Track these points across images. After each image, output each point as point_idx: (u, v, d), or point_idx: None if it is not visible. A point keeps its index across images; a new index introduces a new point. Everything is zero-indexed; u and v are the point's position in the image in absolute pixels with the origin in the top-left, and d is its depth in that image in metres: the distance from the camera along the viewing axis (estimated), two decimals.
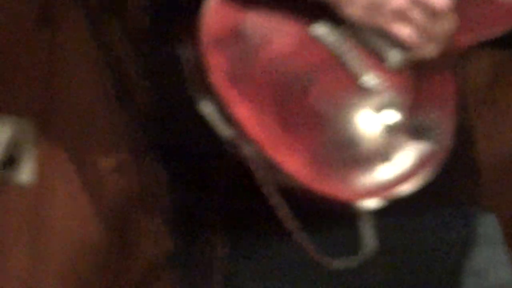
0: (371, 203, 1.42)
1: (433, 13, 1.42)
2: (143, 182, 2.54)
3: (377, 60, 1.46)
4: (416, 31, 1.43)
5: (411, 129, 1.46)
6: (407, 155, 1.46)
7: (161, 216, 1.86)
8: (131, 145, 2.52)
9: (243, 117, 1.38)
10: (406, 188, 1.45)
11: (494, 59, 2.48)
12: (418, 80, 1.49)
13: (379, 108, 1.43)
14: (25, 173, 2.54)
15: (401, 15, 1.41)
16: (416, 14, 1.42)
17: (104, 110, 2.54)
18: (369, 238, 1.45)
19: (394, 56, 1.44)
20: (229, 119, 1.38)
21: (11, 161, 2.54)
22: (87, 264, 2.61)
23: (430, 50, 1.44)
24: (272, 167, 1.39)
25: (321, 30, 1.43)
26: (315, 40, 1.44)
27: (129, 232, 2.62)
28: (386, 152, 1.43)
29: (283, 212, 1.39)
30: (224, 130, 1.39)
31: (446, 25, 1.44)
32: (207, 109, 1.38)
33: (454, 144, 1.50)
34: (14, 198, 2.57)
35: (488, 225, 1.68)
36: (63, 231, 2.58)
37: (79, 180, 2.57)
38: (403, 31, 1.42)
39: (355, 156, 1.44)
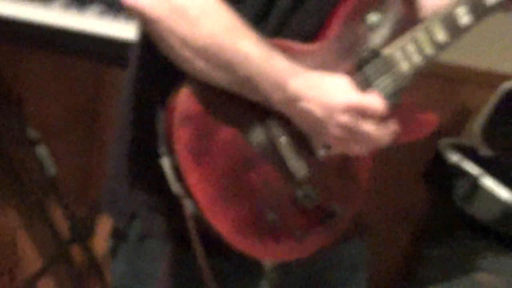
0: (275, 261, 1.55)
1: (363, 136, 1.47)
2: (20, 215, 2.71)
3: (307, 150, 1.51)
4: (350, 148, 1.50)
5: (319, 214, 1.55)
6: (317, 232, 1.55)
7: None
8: (7, 188, 2.64)
9: (193, 182, 1.44)
10: (305, 255, 1.55)
11: None
12: (335, 170, 1.56)
13: (300, 195, 1.52)
14: None
15: (337, 139, 1.47)
16: (350, 140, 1.47)
17: None
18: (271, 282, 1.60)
19: (322, 151, 1.50)
20: (181, 179, 1.44)
21: None
22: None
23: (352, 151, 1.50)
24: (206, 224, 1.47)
25: (270, 123, 1.49)
26: (261, 129, 1.50)
27: (11, 254, 2.78)
28: (296, 230, 1.52)
29: (202, 259, 1.48)
30: (174, 186, 1.45)
31: (376, 143, 1.49)
32: (165, 165, 1.46)
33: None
34: None
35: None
36: None
37: None
38: (338, 145, 1.48)
39: (275, 227, 1.51)
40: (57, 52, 2.49)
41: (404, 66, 1.50)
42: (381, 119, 1.45)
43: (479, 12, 1.51)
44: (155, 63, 1.54)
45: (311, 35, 1.53)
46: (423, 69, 1.52)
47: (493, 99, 2.32)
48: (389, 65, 1.51)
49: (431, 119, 1.56)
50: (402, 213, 2.68)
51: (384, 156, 2.36)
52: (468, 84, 2.58)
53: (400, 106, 1.54)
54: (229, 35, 1.43)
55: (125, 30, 2.22)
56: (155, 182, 1.50)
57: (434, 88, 2.56)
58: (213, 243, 1.49)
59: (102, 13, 2.31)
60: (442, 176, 2.26)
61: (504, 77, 2.41)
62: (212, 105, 1.46)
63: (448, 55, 2.21)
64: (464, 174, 2.18)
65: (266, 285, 1.58)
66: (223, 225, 1.46)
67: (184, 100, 1.43)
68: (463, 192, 2.19)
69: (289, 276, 1.65)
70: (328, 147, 1.50)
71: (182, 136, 1.43)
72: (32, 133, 2.58)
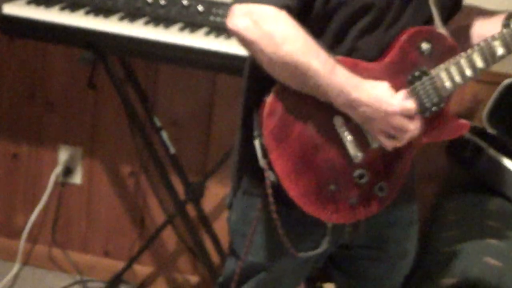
0: (336, 222, 1.68)
1: (403, 133, 1.58)
2: (150, 181, 2.94)
3: (364, 142, 1.63)
4: (389, 142, 1.60)
5: (370, 188, 1.66)
6: (367, 203, 1.67)
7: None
8: (141, 160, 2.89)
9: (273, 158, 1.60)
10: (362, 217, 1.68)
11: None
12: (385, 158, 1.66)
13: (356, 175, 1.64)
14: (77, 176, 3.05)
15: (383, 132, 1.59)
16: (393, 133, 1.59)
17: (125, 141, 2.91)
18: (326, 242, 1.71)
19: (375, 144, 1.63)
20: (266, 156, 1.60)
21: (68, 171, 3.04)
22: (118, 229, 3.08)
23: (394, 146, 1.62)
24: (282, 190, 1.61)
25: (336, 120, 1.61)
26: (328, 124, 1.61)
27: (143, 209, 3.05)
28: (353, 199, 1.66)
29: (275, 216, 1.63)
30: (261, 161, 1.61)
31: (408, 138, 1.60)
32: (257, 145, 1.62)
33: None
34: (71, 193, 3.07)
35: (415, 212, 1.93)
36: (103, 211, 3.09)
37: (110, 181, 3.04)
38: (382, 139, 1.60)
39: (334, 196, 1.64)
40: (181, 65, 2.64)
41: (447, 84, 1.62)
42: (415, 120, 1.58)
43: (511, 45, 1.64)
44: (255, 73, 1.67)
45: (375, 57, 1.63)
46: (461, 86, 1.65)
47: (496, 92, 2.38)
48: (435, 83, 1.63)
49: (463, 125, 1.71)
50: (429, 176, 2.74)
51: None
52: (478, 82, 2.60)
53: (441, 113, 1.66)
54: (303, 56, 1.53)
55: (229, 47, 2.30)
56: (252, 159, 1.64)
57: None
58: (291, 206, 1.63)
59: (208, 33, 2.40)
60: (460, 148, 2.32)
61: (505, 76, 2.46)
62: (291, 104, 1.60)
63: None
64: (477, 148, 2.27)
65: (327, 241, 1.71)
66: (295, 192, 1.61)
67: (271, 100, 1.59)
68: (474, 159, 2.27)
69: (354, 233, 1.79)
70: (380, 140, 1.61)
71: (268, 125, 1.59)
72: (157, 121, 2.76)
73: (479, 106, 2.61)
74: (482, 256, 1.89)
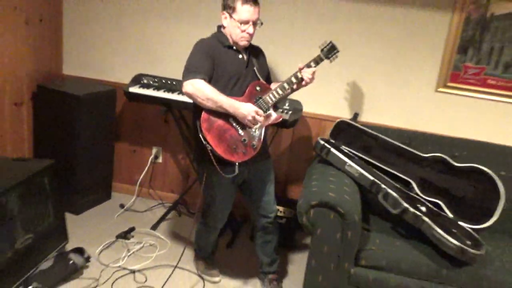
0: (239, 161, 1.66)
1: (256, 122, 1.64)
2: (190, 162, 2.80)
3: (244, 127, 1.65)
4: (251, 124, 1.66)
5: (249, 144, 1.66)
6: (249, 151, 1.66)
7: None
8: (187, 153, 2.73)
9: (208, 139, 1.60)
10: (248, 157, 1.66)
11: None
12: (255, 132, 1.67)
13: (245, 139, 1.64)
14: (160, 159, 2.92)
15: (249, 121, 1.63)
16: (252, 122, 1.65)
17: (180, 145, 2.81)
18: (236, 169, 1.67)
19: (248, 127, 1.62)
20: (205, 139, 1.61)
21: (156, 157, 2.90)
22: (177, 181, 2.94)
23: (256, 127, 1.67)
24: (213, 151, 1.61)
25: (230, 119, 1.63)
26: (228, 121, 1.62)
27: (188, 172, 2.91)
28: (243, 151, 1.64)
29: (213, 160, 1.61)
30: (204, 142, 1.61)
31: (260, 123, 1.67)
32: (201, 137, 1.61)
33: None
34: (158, 166, 2.92)
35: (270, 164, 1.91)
36: (171, 174, 2.94)
37: (174, 161, 2.91)
38: (249, 124, 1.64)
39: (235, 150, 1.63)
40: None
41: (269, 100, 1.68)
42: (261, 116, 1.64)
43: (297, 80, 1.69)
44: (197, 107, 1.66)
45: (240, 95, 1.67)
46: (278, 102, 1.69)
47: (333, 125, 2.26)
48: (265, 101, 1.68)
49: (279, 116, 1.73)
50: (306, 160, 2.65)
51: (299, 143, 2.64)
52: (326, 121, 2.52)
53: (270, 114, 1.71)
54: (216, 96, 1.56)
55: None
56: (202, 145, 1.63)
57: (315, 123, 2.55)
58: (220, 159, 1.63)
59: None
60: (319, 147, 2.12)
61: (337, 118, 2.42)
62: (212, 115, 1.60)
63: (319, 110, 2.56)
64: (325, 147, 2.11)
65: (237, 168, 1.67)
66: (220, 151, 1.61)
67: (203, 115, 1.60)
68: (325, 153, 2.10)
69: (248, 173, 1.81)
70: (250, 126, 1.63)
71: (203, 125, 1.60)
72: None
73: (327, 130, 2.54)
74: (328, 192, 1.83)
